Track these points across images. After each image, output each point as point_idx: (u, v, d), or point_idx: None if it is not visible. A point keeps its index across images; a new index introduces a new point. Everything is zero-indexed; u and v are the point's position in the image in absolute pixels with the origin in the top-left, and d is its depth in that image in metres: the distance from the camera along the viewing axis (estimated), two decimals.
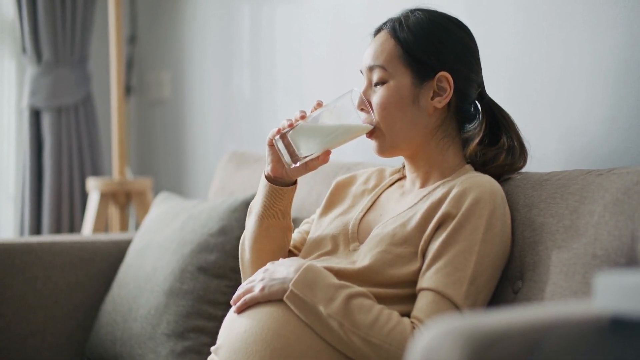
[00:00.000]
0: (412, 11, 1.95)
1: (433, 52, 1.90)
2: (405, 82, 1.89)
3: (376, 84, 1.92)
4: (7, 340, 2.60)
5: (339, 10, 3.05)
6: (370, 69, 1.93)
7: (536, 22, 2.30)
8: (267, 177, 1.97)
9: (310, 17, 3.19)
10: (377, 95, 1.91)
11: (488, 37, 2.39)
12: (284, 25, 3.34)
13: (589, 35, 2.14)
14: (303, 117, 1.87)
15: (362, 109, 1.92)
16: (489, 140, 1.96)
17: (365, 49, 1.97)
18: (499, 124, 1.96)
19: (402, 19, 1.93)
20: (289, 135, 1.86)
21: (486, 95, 1.98)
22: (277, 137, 1.87)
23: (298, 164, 1.88)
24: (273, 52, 3.38)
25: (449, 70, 1.90)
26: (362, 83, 1.95)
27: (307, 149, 1.88)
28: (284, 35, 3.34)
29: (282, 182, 1.96)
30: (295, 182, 1.98)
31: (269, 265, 1.89)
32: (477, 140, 1.94)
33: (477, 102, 1.97)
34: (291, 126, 1.87)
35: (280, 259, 1.91)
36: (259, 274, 1.88)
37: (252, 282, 1.87)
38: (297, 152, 1.87)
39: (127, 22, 4.16)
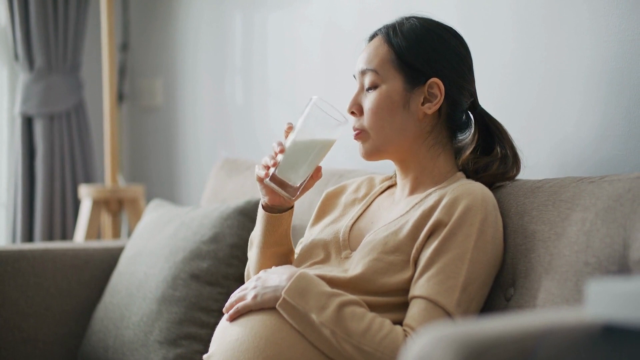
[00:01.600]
0: (407, 18, 1.96)
1: (425, 58, 1.90)
2: (397, 87, 1.90)
3: (368, 89, 1.92)
4: None
5: (331, 17, 3.05)
6: (363, 72, 1.94)
7: (531, 31, 2.30)
8: (265, 207, 1.99)
9: (302, 24, 3.19)
10: (369, 100, 1.91)
11: (483, 46, 2.39)
12: (276, 32, 3.34)
13: (583, 44, 2.14)
14: (282, 151, 1.88)
15: (352, 113, 1.94)
16: (482, 149, 1.96)
17: (358, 55, 1.98)
18: (491, 134, 1.97)
19: (396, 25, 1.94)
20: (277, 174, 1.88)
21: (479, 105, 1.98)
22: (268, 179, 1.88)
23: (298, 193, 1.91)
24: (265, 59, 3.38)
25: (440, 77, 1.90)
26: (354, 87, 1.96)
27: (299, 177, 1.90)
28: (276, 42, 3.34)
29: (280, 208, 1.98)
30: (292, 206, 2.00)
31: (261, 273, 1.89)
32: (470, 150, 1.95)
33: (469, 111, 1.97)
34: (275, 164, 1.88)
35: (273, 267, 1.91)
36: (252, 281, 1.88)
37: (245, 290, 1.87)
38: (291, 185, 1.89)
39: (120, 29, 4.16)
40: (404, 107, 1.90)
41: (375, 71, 1.91)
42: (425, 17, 1.96)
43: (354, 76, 1.97)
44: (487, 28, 2.41)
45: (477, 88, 2.00)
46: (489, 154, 1.96)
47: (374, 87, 1.91)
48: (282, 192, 1.89)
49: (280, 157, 1.88)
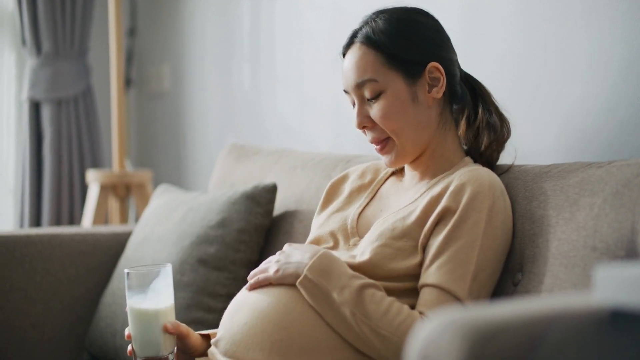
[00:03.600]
0: (376, 16, 1.93)
1: (413, 48, 1.89)
2: (400, 86, 1.88)
3: (370, 99, 1.89)
4: (6, 332, 2.60)
5: (338, 3, 3.04)
6: (359, 85, 1.89)
7: (533, 13, 2.29)
8: None
9: (309, 10, 3.19)
10: (377, 109, 1.88)
11: (484, 30, 2.39)
12: (283, 18, 3.34)
13: (588, 28, 2.13)
14: (129, 337, 1.84)
15: (365, 127, 1.91)
16: (474, 115, 1.97)
17: (340, 71, 1.94)
18: (476, 95, 1.97)
19: (369, 27, 1.91)
20: (140, 357, 1.83)
21: (462, 70, 1.98)
22: None
23: (174, 353, 1.85)
24: (272, 45, 3.38)
25: (434, 59, 1.89)
26: (348, 102, 1.94)
27: (159, 348, 1.83)
28: (283, 28, 3.33)
29: (192, 351, 1.94)
30: (201, 338, 1.96)
31: (286, 247, 1.90)
32: (463, 118, 1.95)
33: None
34: (131, 352, 1.84)
35: (295, 243, 1.91)
36: (276, 255, 1.88)
37: (269, 263, 1.88)
38: (160, 356, 1.83)
39: (127, 14, 4.16)
40: (414, 102, 1.89)
41: (373, 80, 1.88)
42: (391, 7, 1.94)
43: (345, 91, 1.93)
44: (488, 11, 2.41)
45: (480, 74, 2.00)
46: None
47: (377, 95, 1.88)
48: None
49: (134, 347, 1.83)
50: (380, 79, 1.88)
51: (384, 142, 1.91)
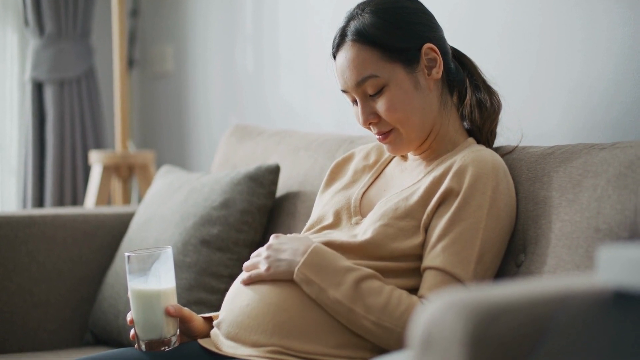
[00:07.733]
0: (361, 10, 1.90)
1: (407, 35, 1.87)
2: (401, 76, 1.87)
3: (373, 95, 1.88)
4: (9, 312, 2.61)
5: None
6: (360, 84, 1.87)
7: (529, 5, 2.28)
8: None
9: None
10: (383, 103, 1.87)
11: (481, 12, 2.38)
12: None
13: (588, 6, 2.13)
14: (131, 322, 1.84)
15: (370, 123, 1.90)
16: (465, 92, 1.96)
17: (335, 74, 1.93)
18: (463, 69, 1.97)
19: (358, 24, 1.89)
20: (143, 340, 1.82)
21: (450, 45, 1.98)
22: (145, 350, 1.83)
23: (176, 336, 1.85)
24: (276, 26, 3.37)
25: (427, 41, 1.88)
26: (348, 102, 1.94)
27: (162, 331, 1.82)
28: (286, 8, 3.33)
29: (196, 334, 1.94)
30: (204, 320, 1.96)
31: (273, 240, 1.88)
32: (456, 92, 1.95)
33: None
34: (134, 337, 1.84)
35: (283, 236, 1.90)
36: (264, 250, 1.87)
37: (258, 257, 1.87)
38: (163, 339, 1.82)
39: None
40: (416, 89, 1.88)
41: (374, 76, 1.86)
42: None
43: (344, 91, 1.92)
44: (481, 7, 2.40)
45: (478, 56, 2.00)
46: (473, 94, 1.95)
47: (380, 89, 1.87)
48: (166, 349, 1.83)
49: (137, 331, 1.83)
50: (380, 73, 1.86)
51: (387, 133, 1.90)
